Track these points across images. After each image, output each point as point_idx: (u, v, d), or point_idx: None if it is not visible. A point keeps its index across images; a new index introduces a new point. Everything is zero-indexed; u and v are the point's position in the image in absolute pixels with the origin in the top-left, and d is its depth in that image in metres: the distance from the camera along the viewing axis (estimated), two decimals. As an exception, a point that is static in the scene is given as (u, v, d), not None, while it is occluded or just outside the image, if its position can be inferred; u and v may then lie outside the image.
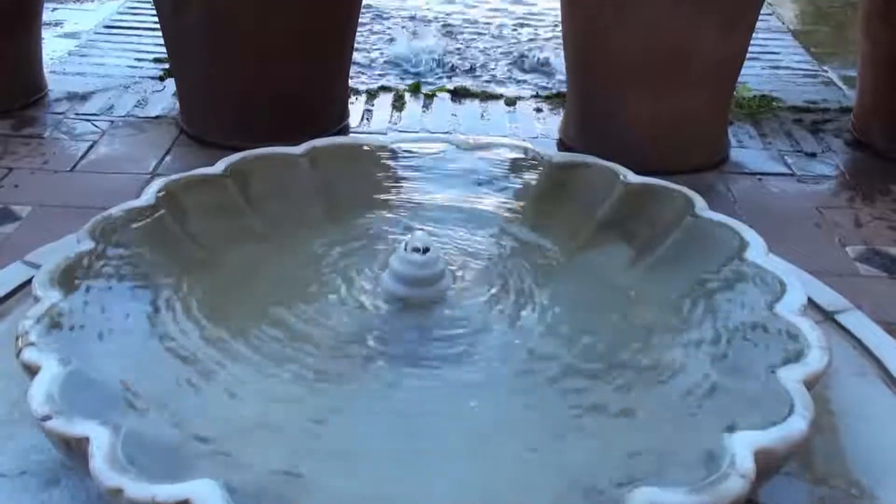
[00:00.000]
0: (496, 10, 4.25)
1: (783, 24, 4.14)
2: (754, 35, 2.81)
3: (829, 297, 1.83)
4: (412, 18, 4.09)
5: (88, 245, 1.53)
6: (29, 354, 1.26)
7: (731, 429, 1.17)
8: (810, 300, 1.57)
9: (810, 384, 1.27)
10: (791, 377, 1.26)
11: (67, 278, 1.45)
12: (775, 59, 3.73)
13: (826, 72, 3.62)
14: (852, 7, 3.27)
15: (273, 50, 2.67)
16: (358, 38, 2.98)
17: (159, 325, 1.43)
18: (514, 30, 3.97)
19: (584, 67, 2.79)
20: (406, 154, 1.95)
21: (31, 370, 1.23)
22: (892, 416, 1.52)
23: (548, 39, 3.77)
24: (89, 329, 1.37)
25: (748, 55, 2.84)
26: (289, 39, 2.66)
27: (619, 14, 2.57)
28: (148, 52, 3.51)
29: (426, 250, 1.51)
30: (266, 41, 2.66)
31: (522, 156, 1.94)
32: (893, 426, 1.50)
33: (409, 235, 1.55)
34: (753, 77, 3.44)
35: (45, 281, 1.43)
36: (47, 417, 1.15)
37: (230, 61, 2.69)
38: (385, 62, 3.58)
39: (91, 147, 2.80)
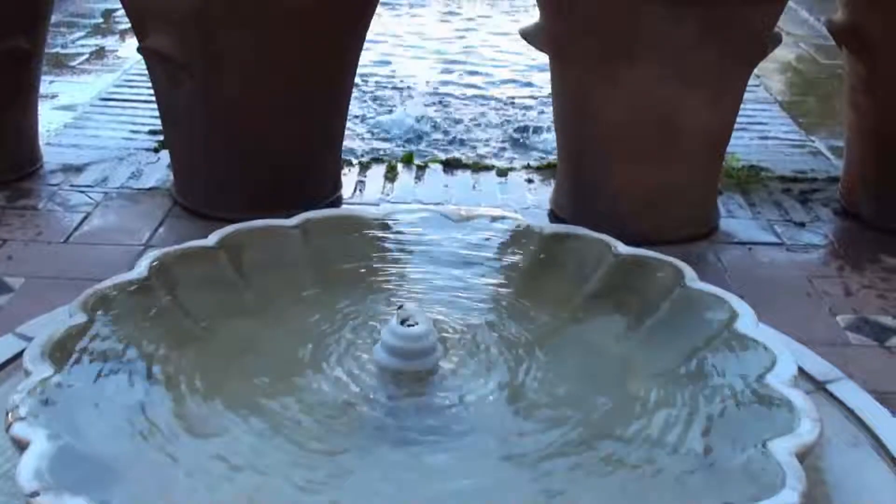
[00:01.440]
0: (489, 80, 4.31)
1: (770, 95, 4.20)
2: (742, 106, 2.85)
3: (820, 367, 1.84)
4: (405, 87, 4.14)
5: (80, 319, 1.53)
6: (18, 429, 1.26)
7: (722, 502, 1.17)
8: (801, 370, 1.57)
9: (802, 456, 1.27)
10: (782, 449, 1.26)
11: (59, 352, 1.45)
12: (763, 130, 3.78)
13: (813, 142, 3.67)
14: (838, 78, 3.33)
15: (267, 123, 2.70)
16: (351, 107, 3.02)
17: (150, 399, 1.43)
18: (508, 100, 4.02)
19: (573, 139, 2.82)
20: (398, 226, 1.97)
21: (21, 445, 1.23)
22: (886, 486, 1.52)
23: (540, 112, 3.81)
24: (80, 404, 1.37)
25: (736, 126, 2.89)
26: (282, 112, 2.70)
27: (608, 88, 2.61)
28: (143, 123, 3.55)
29: (417, 323, 1.51)
30: (260, 114, 2.69)
31: (513, 227, 1.96)
32: (887, 497, 1.50)
33: (400, 308, 1.55)
34: (742, 147, 3.48)
35: (37, 355, 1.43)
36: (35, 494, 1.14)
37: (224, 133, 2.72)
38: (378, 132, 3.62)
39: (85, 218, 2.81)
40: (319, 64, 2.69)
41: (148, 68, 2.82)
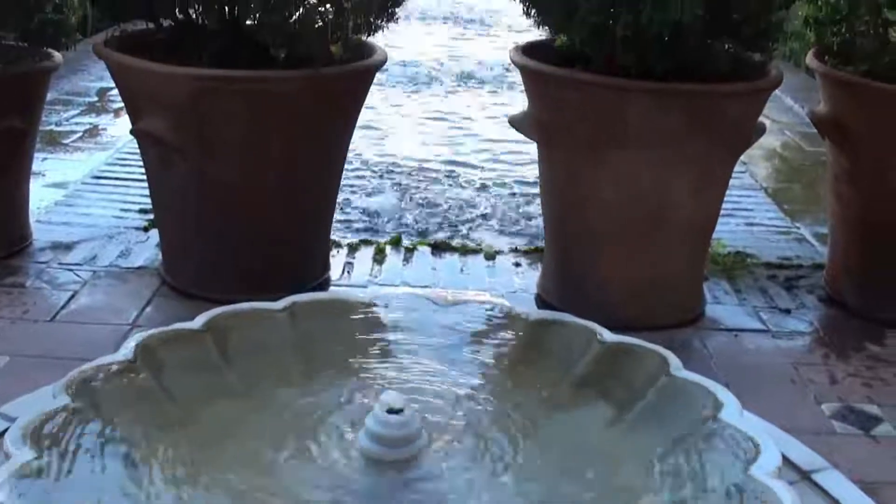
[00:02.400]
0: (478, 160, 4.35)
1: (756, 181, 4.25)
2: (728, 192, 2.89)
3: (805, 456, 1.84)
4: (394, 168, 4.18)
5: (64, 401, 1.53)
6: (-3, 514, 1.25)
7: None
8: (786, 459, 1.58)
9: (785, 550, 1.26)
10: (766, 543, 1.26)
11: (41, 435, 1.44)
12: (749, 216, 3.81)
13: (798, 228, 3.70)
14: (823, 165, 3.38)
15: (257, 206, 2.72)
16: (340, 187, 3.04)
17: (132, 483, 1.42)
18: (496, 183, 4.05)
19: (560, 225, 2.85)
20: (385, 310, 1.98)
21: (-1, 531, 1.22)
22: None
23: (529, 197, 3.84)
24: (61, 487, 1.36)
25: (723, 212, 2.92)
26: (272, 196, 2.72)
27: (595, 176, 2.64)
28: (134, 202, 3.57)
29: (401, 410, 1.51)
30: (250, 196, 2.71)
31: (500, 313, 1.98)
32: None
33: (385, 395, 1.55)
34: (728, 233, 3.51)
35: (18, 437, 1.42)
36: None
37: (213, 215, 2.74)
38: (367, 213, 3.64)
39: (72, 297, 2.81)
40: (310, 149, 2.72)
41: (140, 149, 2.85)
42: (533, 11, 2.65)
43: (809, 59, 2.93)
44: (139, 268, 3.04)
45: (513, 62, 2.78)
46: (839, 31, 2.86)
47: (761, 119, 2.79)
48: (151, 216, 3.24)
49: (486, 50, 6.79)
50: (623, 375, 1.75)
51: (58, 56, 2.99)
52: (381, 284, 3.02)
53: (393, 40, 2.96)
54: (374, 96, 2.90)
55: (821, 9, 2.86)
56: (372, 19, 2.69)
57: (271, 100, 2.58)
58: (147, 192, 2.99)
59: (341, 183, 3.02)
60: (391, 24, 2.77)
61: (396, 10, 2.75)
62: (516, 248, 3.36)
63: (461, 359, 1.86)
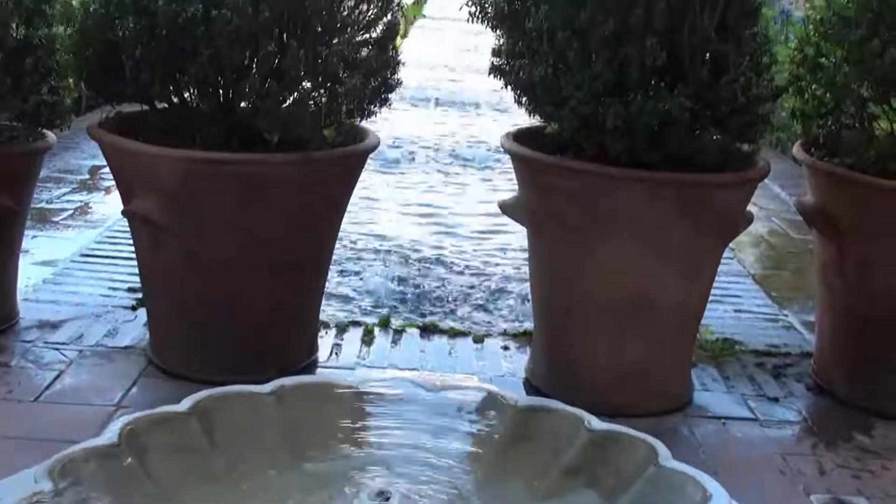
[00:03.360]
0: (468, 241, 4.37)
1: (744, 268, 4.28)
2: (716, 279, 2.91)
3: (795, 550, 1.82)
4: (384, 249, 4.20)
5: (45, 485, 1.51)
6: None
7: None
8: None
9: None
10: None
11: (21, 520, 1.42)
12: (737, 303, 3.83)
13: (786, 316, 3.72)
14: (810, 253, 3.41)
15: (246, 287, 2.73)
16: (329, 267, 3.05)
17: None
18: (486, 264, 4.07)
19: (549, 310, 2.86)
20: (372, 395, 1.97)
21: None
22: None
23: (521, 280, 3.85)
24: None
25: (711, 298, 2.93)
26: (263, 277, 2.72)
27: (584, 261, 2.66)
28: (122, 280, 3.56)
29: (388, 497, 1.50)
30: (240, 278, 2.71)
31: (487, 398, 1.97)
32: None
33: (372, 481, 1.54)
34: (716, 320, 3.52)
35: (-2, 523, 1.40)
36: None
37: (202, 296, 2.74)
38: (355, 293, 3.64)
39: (57, 377, 2.79)
40: (301, 232, 2.73)
41: (130, 229, 2.86)
42: (524, 100, 2.70)
43: (796, 151, 2.97)
44: (126, 347, 3.02)
45: (503, 149, 2.81)
46: (825, 124, 2.91)
47: (749, 207, 2.82)
48: (140, 295, 3.24)
49: (479, 130, 6.88)
50: (612, 464, 1.74)
51: (51, 136, 3.01)
52: (369, 367, 3.01)
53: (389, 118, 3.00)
54: (364, 172, 2.92)
55: (807, 102, 2.91)
56: (366, 104, 2.72)
57: (263, 183, 2.60)
58: (136, 270, 2.99)
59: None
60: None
61: (390, 95, 2.79)
62: (505, 331, 3.36)
63: (449, 445, 1.84)
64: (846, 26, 2.78)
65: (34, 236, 3.96)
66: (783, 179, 5.39)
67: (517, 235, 4.07)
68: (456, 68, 10.01)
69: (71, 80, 2.97)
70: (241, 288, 2.74)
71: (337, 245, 3.13)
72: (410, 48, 9.22)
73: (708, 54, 2.53)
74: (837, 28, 2.80)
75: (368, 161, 2.94)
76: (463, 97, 8.32)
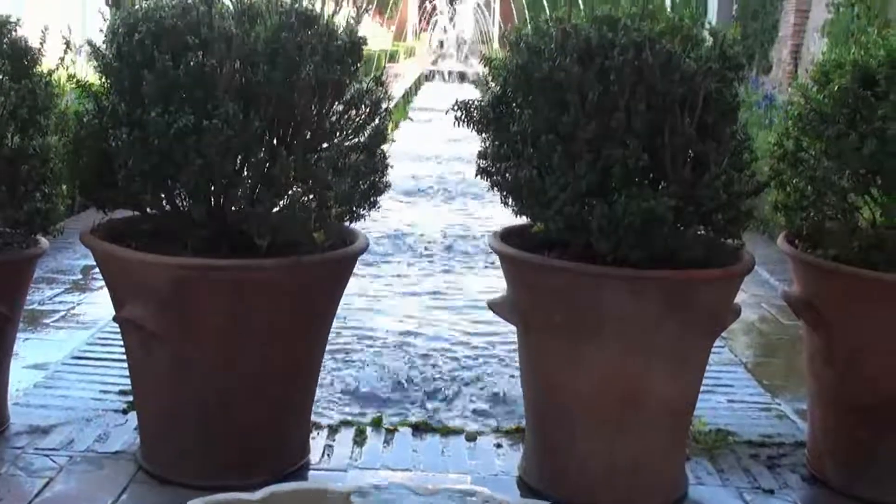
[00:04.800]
0: (461, 336, 4.38)
1: (735, 356, 4.29)
2: (708, 368, 2.91)
3: None
4: (375, 342, 4.21)
5: None
6: None
7: None
8: None
9: None
10: None
11: None
12: (729, 392, 3.83)
13: (779, 405, 3.71)
14: (800, 339, 3.42)
15: (237, 392, 2.73)
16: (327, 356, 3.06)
17: None
18: (478, 361, 4.07)
19: (539, 407, 2.86)
20: (364, 500, 1.96)
21: None
22: None
23: (511, 376, 3.85)
24: None
25: (703, 389, 2.94)
26: (253, 381, 2.73)
27: (573, 359, 2.67)
28: (113, 383, 3.55)
29: None
30: (229, 382, 2.72)
31: (480, 502, 1.96)
32: None
33: None
34: (709, 410, 3.52)
35: None
36: None
37: (193, 401, 2.74)
38: (346, 390, 3.64)
39: (47, 484, 2.78)
40: (291, 335, 2.75)
41: (122, 334, 2.87)
42: (510, 201, 2.74)
43: (780, 243, 3.01)
44: (116, 452, 3.01)
45: (491, 248, 2.84)
46: (808, 216, 2.95)
47: (738, 295, 2.84)
48: (131, 398, 3.23)
49: (471, 221, 6.94)
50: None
51: (44, 242, 3.04)
52: (361, 468, 2.99)
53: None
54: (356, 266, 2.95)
55: (789, 195, 2.95)
56: (355, 208, 2.76)
57: (253, 287, 2.62)
58: (127, 372, 3.00)
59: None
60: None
61: (378, 198, 2.83)
62: (497, 428, 3.35)
63: (441, 555, 1.83)
64: (823, 121, 2.83)
65: (26, 339, 3.97)
66: (772, 265, 5.44)
67: (509, 331, 4.08)
68: (446, 158, 10.11)
69: (64, 188, 3.01)
70: (232, 392, 2.74)
71: (328, 339, 3.14)
72: (399, 138, 9.34)
73: (689, 154, 2.58)
74: (815, 123, 2.86)
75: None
76: (453, 187, 8.39)
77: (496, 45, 25.42)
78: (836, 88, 2.80)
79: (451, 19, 27.33)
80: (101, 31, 2.81)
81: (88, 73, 2.92)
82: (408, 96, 16.56)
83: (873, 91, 2.73)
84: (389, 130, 2.90)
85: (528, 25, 2.78)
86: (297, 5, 2.68)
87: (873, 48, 2.81)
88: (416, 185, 8.42)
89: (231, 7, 2.75)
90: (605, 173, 2.55)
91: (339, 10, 2.74)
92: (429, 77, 22.20)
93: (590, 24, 2.63)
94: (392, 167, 2.94)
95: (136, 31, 2.61)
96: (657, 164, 2.56)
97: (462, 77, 21.47)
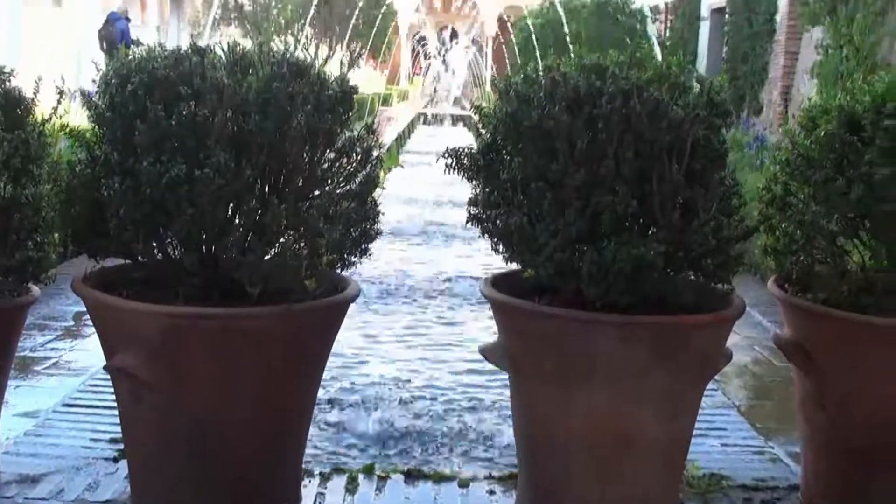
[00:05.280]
0: (453, 382, 4.37)
1: (728, 399, 4.28)
2: (701, 411, 2.92)
3: None
4: (366, 385, 4.19)
5: None
6: None
7: None
8: None
9: None
10: None
11: None
12: (723, 435, 3.82)
13: (773, 448, 3.71)
14: (793, 381, 3.42)
15: (227, 440, 2.72)
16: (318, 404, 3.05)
17: None
18: (470, 402, 4.06)
19: (532, 453, 2.86)
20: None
21: None
22: None
23: (503, 421, 3.84)
24: None
25: (696, 432, 2.94)
26: (243, 429, 2.73)
27: (564, 404, 2.68)
28: (104, 431, 3.54)
29: None
30: (220, 431, 2.71)
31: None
32: None
33: None
34: (702, 454, 3.51)
35: None
36: None
37: (182, 449, 2.73)
38: (338, 437, 3.63)
39: (36, 538, 2.76)
40: (282, 383, 2.75)
41: (112, 382, 2.86)
42: (501, 247, 2.75)
43: (771, 287, 3.02)
44: (106, 501, 3.00)
45: (482, 294, 2.85)
46: (797, 260, 2.96)
47: (730, 336, 2.85)
48: (121, 446, 3.22)
49: (467, 264, 6.95)
50: None
51: (36, 290, 3.03)
52: (353, 517, 2.99)
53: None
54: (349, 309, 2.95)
55: (778, 239, 2.97)
56: (346, 255, 2.78)
57: (243, 336, 2.63)
58: (118, 419, 2.99)
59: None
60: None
61: (369, 245, 2.84)
62: (490, 474, 3.34)
63: None
64: (811, 166, 2.86)
65: (17, 386, 3.95)
66: (763, 307, 5.44)
67: (502, 376, 4.08)
68: (440, 202, 10.13)
69: (56, 236, 3.01)
70: (223, 440, 2.73)
71: (321, 384, 3.13)
72: (393, 180, 9.37)
73: (678, 200, 2.60)
74: (803, 168, 2.89)
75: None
76: (448, 230, 8.42)
77: (488, 87, 25.62)
78: (822, 134, 2.83)
79: (444, 63, 27.57)
80: (93, 80, 2.83)
81: (83, 117, 2.93)
82: (401, 139, 16.65)
83: (859, 136, 2.76)
84: (381, 177, 2.91)
85: (518, 74, 2.81)
86: (288, 56, 2.71)
87: (859, 94, 2.85)
88: (410, 227, 8.44)
89: (223, 57, 2.78)
90: (594, 220, 2.57)
91: (333, 54, 2.77)
92: (422, 120, 22.34)
93: (578, 72, 2.66)
94: (384, 214, 2.95)
95: (129, 81, 2.63)
96: (646, 210, 2.58)
97: (455, 120, 21.62)
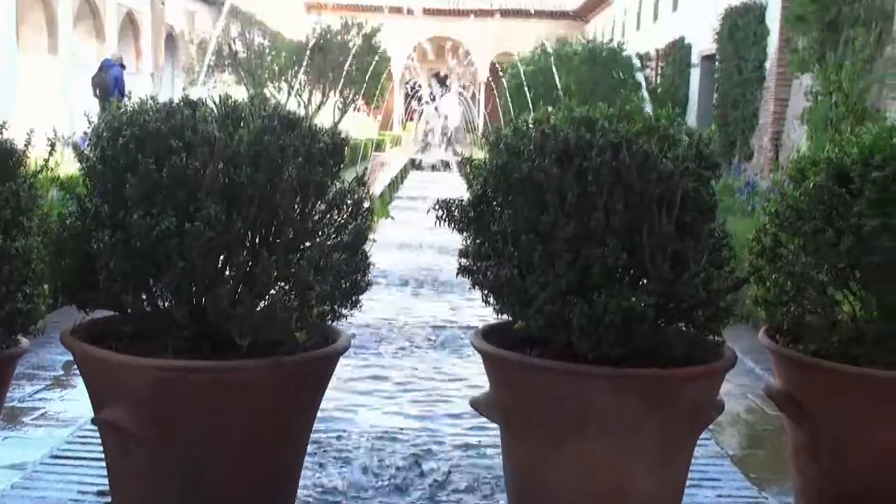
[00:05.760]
0: (446, 432, 4.34)
1: (721, 448, 4.26)
2: (694, 461, 2.91)
3: None
4: (357, 436, 4.16)
5: None
6: None
7: None
8: None
9: None
10: None
11: None
12: (717, 486, 3.79)
13: (766, 499, 3.68)
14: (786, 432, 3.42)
15: (216, 492, 2.70)
16: (308, 458, 3.02)
17: None
18: (466, 450, 4.03)
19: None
20: None
21: None
22: None
23: (495, 478, 3.81)
24: None
25: (689, 483, 2.92)
26: (232, 482, 2.71)
27: (556, 457, 2.67)
28: (92, 483, 3.50)
29: None
30: (208, 484, 2.69)
31: None
32: None
33: None
34: (696, 508, 3.49)
35: None
36: None
37: (172, 502, 2.70)
38: (328, 491, 3.59)
39: None
40: (271, 435, 2.73)
41: (100, 435, 2.84)
42: (491, 299, 2.75)
43: (761, 338, 3.03)
44: (94, 558, 2.96)
45: (473, 346, 2.85)
46: (788, 311, 2.97)
47: (723, 384, 2.84)
48: (109, 499, 3.18)
49: (457, 313, 6.93)
50: None
51: (25, 342, 3.02)
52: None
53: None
54: (344, 358, 2.93)
55: (768, 290, 2.98)
56: (336, 307, 2.77)
57: (233, 388, 2.62)
58: (106, 472, 2.96)
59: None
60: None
61: (360, 297, 2.84)
62: (482, 526, 3.31)
63: None
64: (800, 218, 2.87)
65: (5, 437, 3.92)
66: (756, 354, 5.43)
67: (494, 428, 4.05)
68: (432, 247, 10.14)
69: (46, 288, 3.00)
70: (212, 493, 2.71)
71: (312, 437, 3.11)
72: (385, 226, 9.37)
73: (668, 251, 2.60)
74: (792, 219, 2.90)
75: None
76: (440, 276, 8.41)
77: (480, 131, 25.75)
78: (811, 186, 2.85)
79: (437, 109, 27.75)
80: (85, 133, 2.84)
81: (74, 165, 2.93)
82: (394, 185, 16.70)
83: (848, 188, 2.78)
84: (372, 227, 2.92)
85: (509, 127, 2.82)
86: (279, 109, 2.73)
87: (847, 146, 2.87)
88: (402, 274, 8.43)
89: (215, 110, 2.79)
90: (584, 272, 2.57)
91: (326, 101, 2.78)
92: (415, 165, 22.44)
93: (568, 125, 2.67)
94: (375, 265, 2.95)
95: (120, 134, 2.64)
96: (636, 262, 2.59)
97: (447, 165, 21.71)
